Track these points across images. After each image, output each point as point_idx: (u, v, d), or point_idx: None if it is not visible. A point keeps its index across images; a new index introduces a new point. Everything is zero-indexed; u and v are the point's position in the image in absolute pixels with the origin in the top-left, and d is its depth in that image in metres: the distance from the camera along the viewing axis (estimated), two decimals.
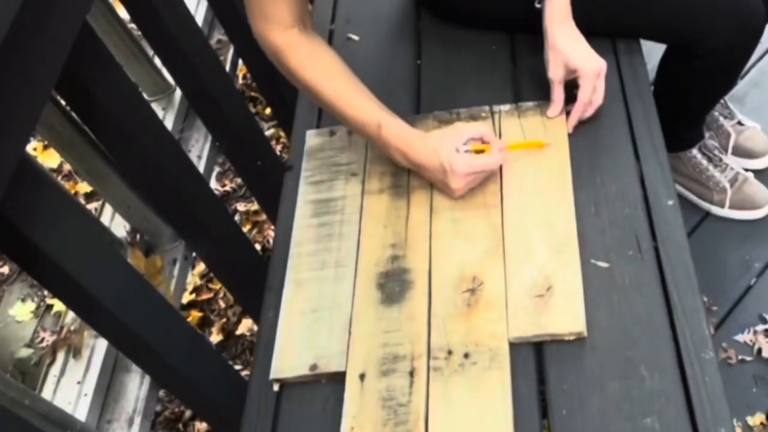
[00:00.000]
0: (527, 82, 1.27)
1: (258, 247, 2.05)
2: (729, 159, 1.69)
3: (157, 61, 1.62)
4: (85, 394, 1.21)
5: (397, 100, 1.29)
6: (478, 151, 1.11)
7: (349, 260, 1.11)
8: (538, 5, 1.16)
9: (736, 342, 1.55)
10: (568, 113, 1.17)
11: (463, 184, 1.09)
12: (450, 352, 0.98)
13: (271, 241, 2.05)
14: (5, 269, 1.97)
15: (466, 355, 0.97)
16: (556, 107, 1.17)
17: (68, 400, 1.21)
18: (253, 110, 2.37)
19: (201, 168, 1.59)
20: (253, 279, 1.30)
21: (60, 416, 1.02)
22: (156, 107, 1.63)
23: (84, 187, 2.15)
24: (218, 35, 1.94)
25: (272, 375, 1.03)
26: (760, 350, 1.53)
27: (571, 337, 0.97)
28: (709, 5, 1.25)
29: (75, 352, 1.26)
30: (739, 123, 1.74)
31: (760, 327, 1.55)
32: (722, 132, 1.73)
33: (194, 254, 1.49)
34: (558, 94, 1.16)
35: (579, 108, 1.15)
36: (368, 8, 1.50)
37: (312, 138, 1.28)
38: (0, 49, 0.77)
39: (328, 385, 1.01)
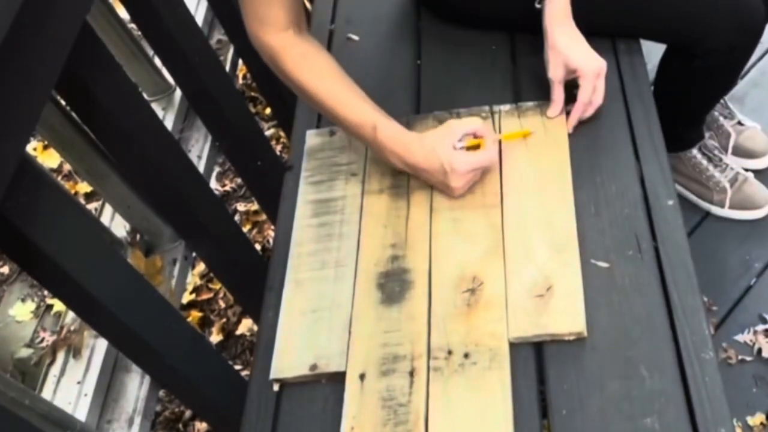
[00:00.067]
0: (527, 82, 1.27)
1: (258, 247, 2.05)
2: (729, 159, 1.69)
3: (157, 61, 1.62)
4: (85, 394, 1.21)
5: (397, 100, 1.29)
6: (473, 146, 1.10)
7: (349, 260, 1.10)
8: (538, 5, 1.16)
9: (736, 342, 1.55)
10: (568, 113, 1.17)
11: (463, 182, 1.09)
12: (450, 352, 0.98)
13: (271, 241, 2.05)
14: (5, 269, 1.97)
15: (466, 355, 0.97)
16: (556, 107, 1.17)
17: (68, 400, 1.20)
18: (253, 110, 2.37)
19: (201, 168, 1.59)
20: (253, 279, 1.29)
21: (60, 416, 1.02)
22: (156, 107, 1.63)
23: (84, 187, 2.15)
24: (218, 35, 1.94)
25: (272, 375, 1.03)
26: (760, 350, 1.53)
27: (571, 337, 0.97)
28: (709, 5, 1.25)
29: (75, 352, 1.26)
30: (739, 123, 1.74)
31: (760, 327, 1.55)
32: (722, 132, 1.73)
33: (194, 254, 1.49)
34: (558, 94, 1.16)
35: (579, 108, 1.15)
36: (368, 8, 1.50)
37: (312, 138, 1.28)
38: (0, 49, 0.77)
39: (328, 385, 1.01)
